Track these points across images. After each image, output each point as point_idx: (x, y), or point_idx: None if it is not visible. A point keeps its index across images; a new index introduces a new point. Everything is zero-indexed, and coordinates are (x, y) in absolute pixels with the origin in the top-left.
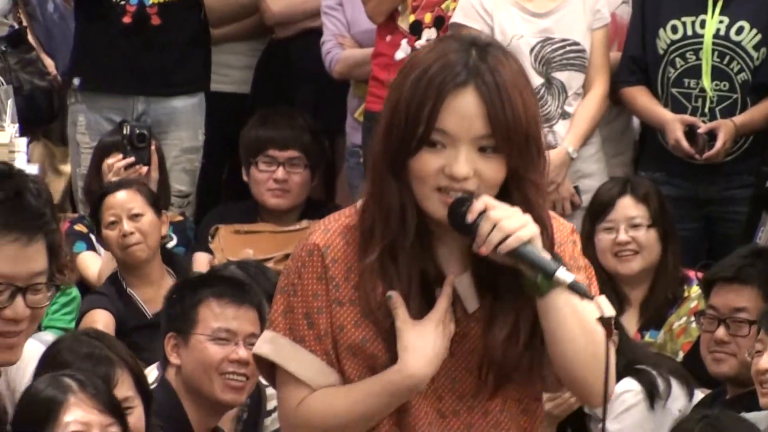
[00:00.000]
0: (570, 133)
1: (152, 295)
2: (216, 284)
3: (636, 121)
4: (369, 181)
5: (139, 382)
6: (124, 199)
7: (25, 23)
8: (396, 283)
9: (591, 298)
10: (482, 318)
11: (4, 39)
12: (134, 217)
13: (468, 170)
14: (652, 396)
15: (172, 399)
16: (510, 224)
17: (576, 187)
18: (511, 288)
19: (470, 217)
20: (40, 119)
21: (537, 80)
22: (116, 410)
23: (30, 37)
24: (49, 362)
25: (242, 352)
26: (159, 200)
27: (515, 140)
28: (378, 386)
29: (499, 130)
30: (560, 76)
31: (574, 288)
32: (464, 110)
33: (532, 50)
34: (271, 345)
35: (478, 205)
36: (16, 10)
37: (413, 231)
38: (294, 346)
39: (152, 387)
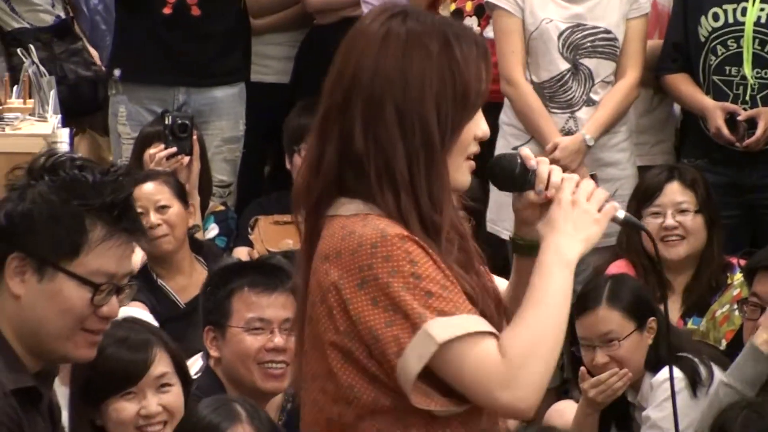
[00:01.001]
0: (590, 121)
1: (183, 284)
2: (246, 273)
3: (677, 109)
4: (420, 163)
5: (177, 362)
6: (150, 191)
7: (71, 13)
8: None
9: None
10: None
11: (51, 29)
12: (161, 209)
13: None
14: (695, 383)
15: (218, 388)
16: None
17: (593, 175)
18: None
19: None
20: (85, 109)
21: (563, 65)
22: None
23: (77, 28)
24: None
25: (278, 340)
26: (186, 192)
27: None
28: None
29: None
30: (588, 62)
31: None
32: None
33: (560, 35)
34: (441, 330)
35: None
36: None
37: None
38: (458, 317)
39: (197, 376)
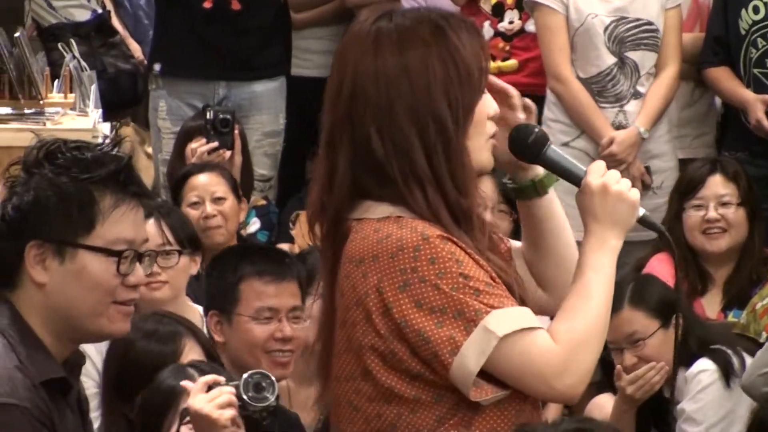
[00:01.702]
0: (642, 113)
1: None
2: (255, 260)
3: (718, 102)
4: (439, 155)
5: (208, 351)
6: (208, 182)
7: (109, 7)
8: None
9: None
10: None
11: (88, 23)
12: (217, 200)
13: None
14: (728, 374)
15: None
16: None
17: (647, 168)
18: None
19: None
20: (125, 102)
21: (610, 59)
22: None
23: (116, 21)
24: (115, 342)
25: (287, 329)
26: (239, 187)
27: None
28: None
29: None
30: (633, 55)
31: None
32: (484, 47)
33: (606, 29)
34: (499, 324)
35: None
36: None
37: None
38: (508, 311)
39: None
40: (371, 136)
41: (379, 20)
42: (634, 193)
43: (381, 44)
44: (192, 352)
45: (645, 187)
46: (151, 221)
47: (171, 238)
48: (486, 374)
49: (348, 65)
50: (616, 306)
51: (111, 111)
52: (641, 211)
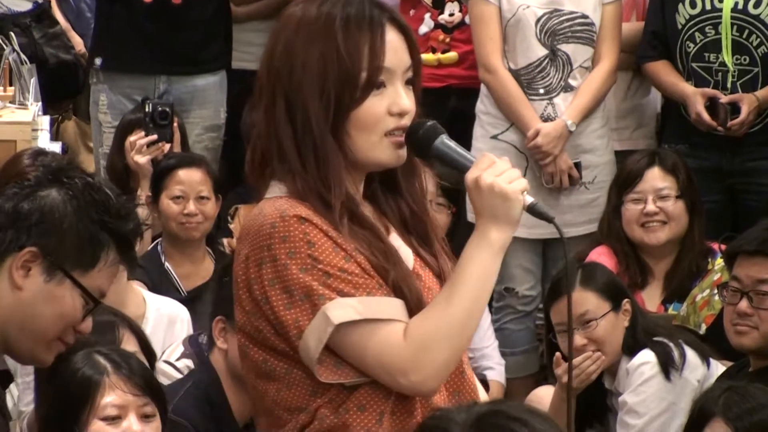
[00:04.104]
0: (571, 106)
1: (189, 272)
2: None
3: (657, 93)
4: (308, 147)
5: (142, 341)
6: (195, 180)
7: None
8: (373, 240)
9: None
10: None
11: (29, 13)
12: (201, 199)
13: (411, 103)
14: (667, 367)
15: (215, 383)
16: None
17: (577, 163)
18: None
19: None
20: (66, 93)
21: (541, 51)
22: (152, 388)
23: (57, 14)
24: None
25: None
26: (219, 185)
27: (420, 71)
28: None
29: (416, 60)
30: (566, 48)
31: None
32: (396, 43)
33: (537, 21)
34: (340, 311)
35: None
36: None
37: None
38: (355, 300)
39: (179, 361)
40: (262, 120)
41: (310, 3)
42: (516, 184)
43: (287, 26)
44: (129, 343)
45: (573, 182)
46: None
47: None
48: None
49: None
50: (567, 290)
51: (52, 102)
52: (529, 200)
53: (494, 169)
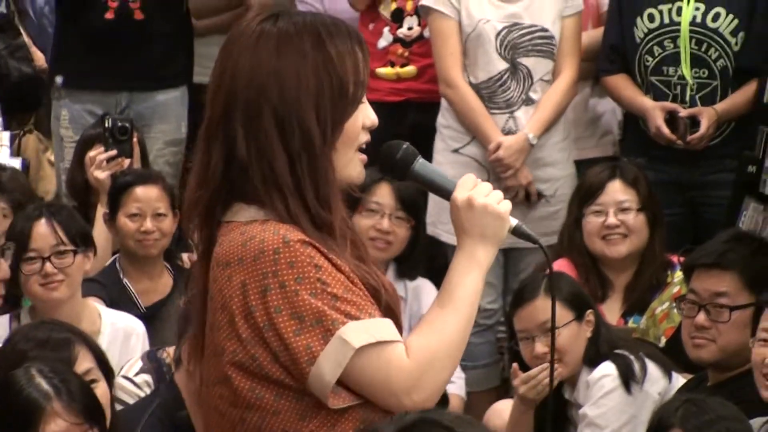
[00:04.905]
0: (532, 119)
1: (147, 287)
2: None
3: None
4: (303, 165)
5: (99, 357)
6: (153, 197)
7: (13, 8)
8: (366, 261)
9: (536, 241)
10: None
11: None
12: (158, 216)
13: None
14: (627, 380)
15: (178, 400)
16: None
17: (539, 192)
18: None
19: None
20: (28, 106)
21: (501, 65)
22: (91, 411)
23: (17, 23)
24: (7, 352)
25: None
26: (176, 200)
27: None
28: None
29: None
30: (526, 61)
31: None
32: (365, 60)
33: (497, 35)
34: (356, 335)
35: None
36: None
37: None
38: (366, 322)
39: (138, 376)
40: (238, 137)
41: (265, 21)
42: (504, 205)
43: (259, 46)
44: (85, 360)
45: (530, 198)
46: (43, 221)
47: (64, 238)
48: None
49: (228, 63)
50: (531, 296)
51: (13, 115)
52: (513, 222)
53: (482, 189)
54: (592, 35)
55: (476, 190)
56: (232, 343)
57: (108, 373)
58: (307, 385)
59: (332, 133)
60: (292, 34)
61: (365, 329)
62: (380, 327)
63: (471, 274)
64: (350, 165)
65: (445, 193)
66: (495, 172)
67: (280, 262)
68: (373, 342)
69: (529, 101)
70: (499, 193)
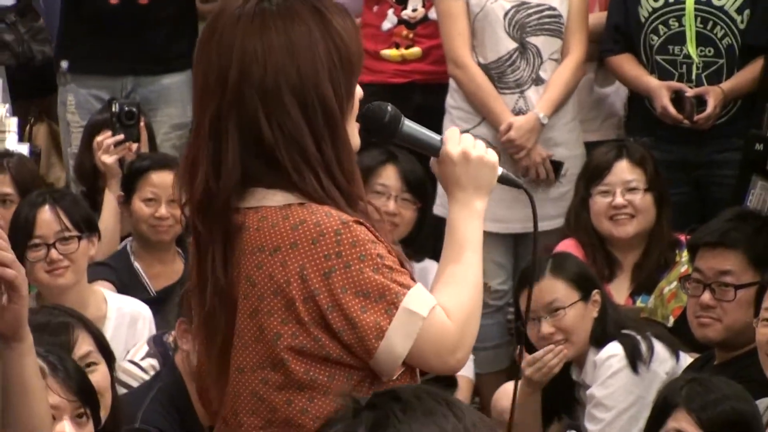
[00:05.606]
0: (542, 99)
1: (159, 272)
2: None
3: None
4: (327, 141)
5: (99, 341)
6: (168, 183)
7: None
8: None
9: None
10: None
11: (12, 9)
12: (173, 202)
13: None
14: (635, 360)
15: (179, 383)
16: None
17: (558, 164)
18: None
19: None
20: (51, 87)
21: (510, 45)
22: (87, 396)
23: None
24: None
25: None
26: None
27: None
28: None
29: None
30: (535, 41)
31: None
32: (358, 30)
33: (506, 15)
34: (419, 303)
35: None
36: None
37: None
38: (419, 289)
39: (144, 361)
40: (260, 121)
41: (262, 1)
42: (492, 155)
43: (266, 25)
44: (84, 343)
45: (549, 182)
46: (47, 208)
47: (68, 224)
48: None
49: (232, 48)
50: (536, 276)
51: (31, 101)
52: (500, 170)
53: (470, 141)
54: (598, 17)
55: (466, 143)
56: (291, 326)
57: (108, 356)
58: (373, 361)
59: (347, 104)
60: (294, 10)
61: (422, 297)
62: (426, 292)
63: (473, 224)
64: (354, 134)
65: (433, 150)
66: (507, 152)
67: (343, 243)
68: (432, 307)
69: (539, 80)
70: (482, 143)
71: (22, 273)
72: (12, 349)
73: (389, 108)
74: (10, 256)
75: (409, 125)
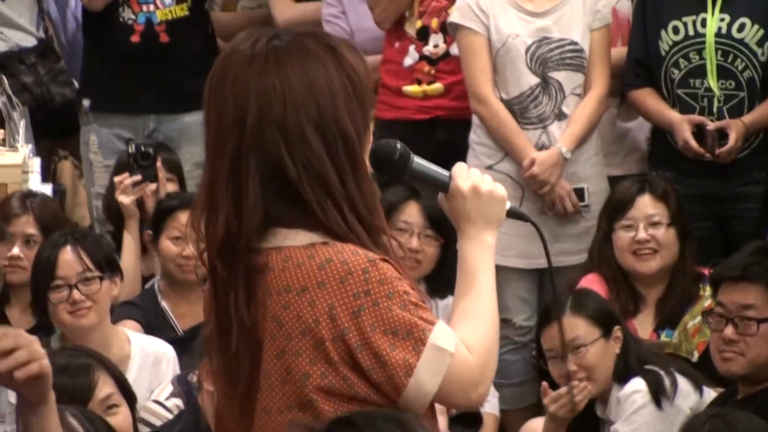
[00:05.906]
0: (565, 134)
1: (185, 311)
2: None
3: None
4: (349, 176)
5: (120, 382)
6: None
7: (51, 32)
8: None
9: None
10: None
11: (33, 50)
12: None
13: None
14: (658, 396)
15: (201, 424)
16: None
17: (579, 189)
18: None
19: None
20: (71, 130)
21: (533, 80)
22: None
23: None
24: None
25: None
26: None
27: None
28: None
29: None
30: (557, 75)
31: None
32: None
33: (527, 50)
34: (446, 340)
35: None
36: (43, 21)
37: None
38: (442, 325)
39: (168, 401)
40: (283, 158)
41: (272, 40)
42: (501, 189)
43: (281, 62)
44: (105, 385)
45: (575, 209)
46: (69, 248)
47: (90, 264)
48: None
49: (248, 88)
50: (556, 314)
51: (54, 141)
52: (508, 204)
53: (478, 175)
54: (620, 52)
55: (475, 178)
56: (320, 366)
57: (130, 398)
58: (402, 399)
59: (364, 137)
60: (306, 47)
61: (447, 333)
62: (449, 328)
63: (485, 257)
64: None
65: (443, 186)
66: (531, 188)
67: (371, 281)
68: (457, 343)
69: (561, 116)
70: (489, 177)
71: (42, 356)
72: (36, 414)
73: (398, 145)
74: (24, 353)
75: (419, 162)
